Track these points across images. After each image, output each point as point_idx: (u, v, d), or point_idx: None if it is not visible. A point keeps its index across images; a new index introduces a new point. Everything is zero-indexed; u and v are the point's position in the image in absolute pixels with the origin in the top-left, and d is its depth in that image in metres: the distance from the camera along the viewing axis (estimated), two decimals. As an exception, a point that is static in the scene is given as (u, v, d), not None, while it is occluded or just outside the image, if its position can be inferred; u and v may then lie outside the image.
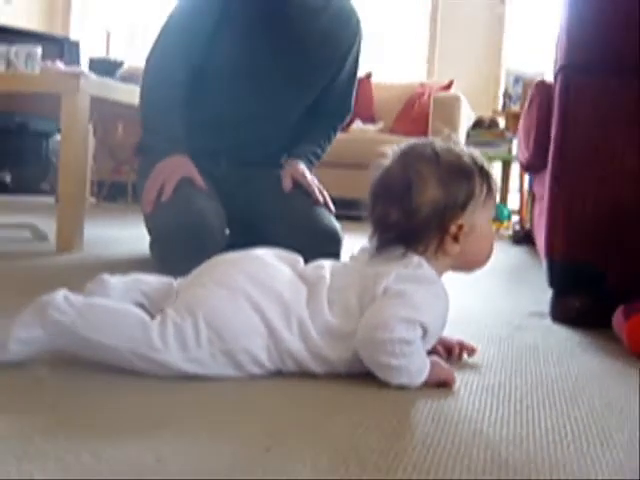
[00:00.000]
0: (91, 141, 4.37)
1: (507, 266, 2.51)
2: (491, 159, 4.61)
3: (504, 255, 2.77)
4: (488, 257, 1.12)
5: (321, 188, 1.95)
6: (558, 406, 0.97)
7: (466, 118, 4.31)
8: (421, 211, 1.03)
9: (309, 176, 1.96)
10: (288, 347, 0.98)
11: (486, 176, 1.07)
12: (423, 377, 0.98)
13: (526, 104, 1.97)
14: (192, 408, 0.88)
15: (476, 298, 1.79)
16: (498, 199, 4.60)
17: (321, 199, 1.91)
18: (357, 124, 4.11)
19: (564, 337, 1.39)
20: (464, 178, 1.05)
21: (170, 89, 1.85)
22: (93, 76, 2.34)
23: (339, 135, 2.18)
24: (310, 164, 2.04)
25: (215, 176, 1.90)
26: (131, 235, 1.96)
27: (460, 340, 1.17)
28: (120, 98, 2.37)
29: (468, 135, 4.40)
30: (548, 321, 1.53)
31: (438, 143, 1.08)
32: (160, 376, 0.95)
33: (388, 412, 0.90)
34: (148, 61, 1.90)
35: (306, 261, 1.13)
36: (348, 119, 2.19)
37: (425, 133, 4.11)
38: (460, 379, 1.04)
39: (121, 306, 1.00)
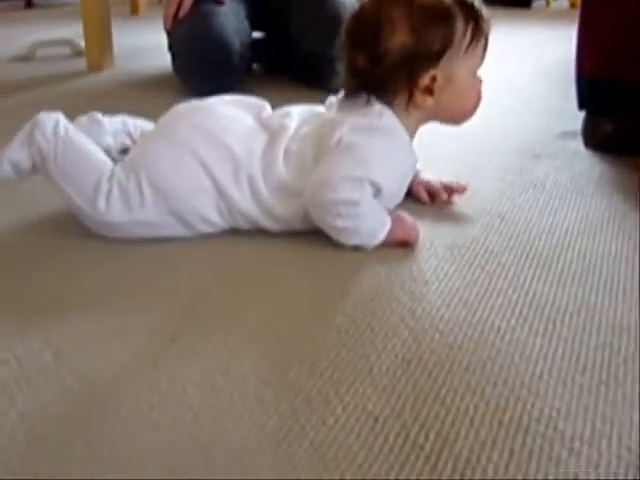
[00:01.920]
0: None
1: (563, 58, 2.15)
2: None
3: (562, 45, 2.33)
4: (473, 110, 0.99)
5: None
6: (532, 269, 0.88)
7: None
8: (388, 58, 0.91)
9: None
10: (238, 206, 0.93)
11: (474, 19, 0.92)
12: (379, 238, 0.92)
13: None
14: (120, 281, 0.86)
15: (510, 107, 1.64)
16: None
17: None
18: None
19: (584, 169, 1.25)
20: (441, 23, 0.90)
21: None
22: None
23: None
24: None
25: None
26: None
27: (448, 183, 1.08)
28: None
29: None
30: (577, 144, 1.38)
31: None
32: (110, 239, 0.94)
33: (328, 279, 0.85)
34: None
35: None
36: None
37: None
38: (428, 236, 0.96)
39: (94, 155, 0.96)
